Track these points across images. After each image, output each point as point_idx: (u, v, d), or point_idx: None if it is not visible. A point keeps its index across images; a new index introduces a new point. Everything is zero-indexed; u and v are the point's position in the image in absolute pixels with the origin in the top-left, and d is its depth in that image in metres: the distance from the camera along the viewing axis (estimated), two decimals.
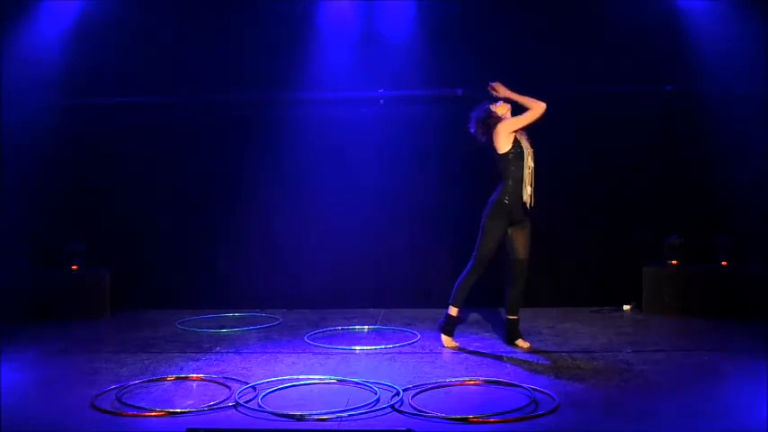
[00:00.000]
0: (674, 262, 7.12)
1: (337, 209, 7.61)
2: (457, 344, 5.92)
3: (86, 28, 7.49)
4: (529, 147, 5.76)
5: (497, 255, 5.85)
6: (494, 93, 5.85)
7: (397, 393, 4.63)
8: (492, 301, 7.12)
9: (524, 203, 5.69)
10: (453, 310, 5.91)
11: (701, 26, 7.23)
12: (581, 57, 7.36)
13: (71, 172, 7.67)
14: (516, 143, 5.75)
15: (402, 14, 7.52)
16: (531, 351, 5.74)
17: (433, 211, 7.58)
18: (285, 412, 4.32)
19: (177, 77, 7.62)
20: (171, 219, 7.72)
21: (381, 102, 7.62)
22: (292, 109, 7.69)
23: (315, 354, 5.78)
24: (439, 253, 7.53)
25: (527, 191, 5.70)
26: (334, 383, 4.98)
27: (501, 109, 5.86)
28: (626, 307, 7.27)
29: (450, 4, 7.45)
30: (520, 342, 5.86)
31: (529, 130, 5.84)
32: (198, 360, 5.61)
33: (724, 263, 7.04)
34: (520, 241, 5.79)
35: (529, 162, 5.72)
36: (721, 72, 7.13)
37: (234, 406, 4.50)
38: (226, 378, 5.07)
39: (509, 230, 5.79)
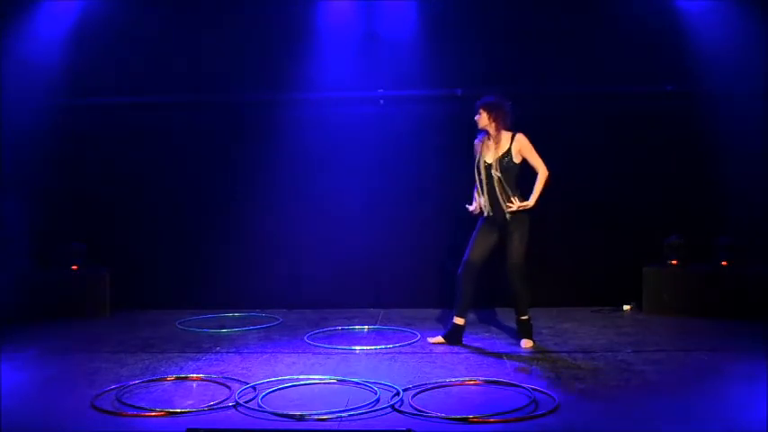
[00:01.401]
0: (674, 262, 7.13)
1: (337, 209, 7.61)
2: (442, 339, 5.94)
3: (86, 28, 7.50)
4: (492, 158, 5.77)
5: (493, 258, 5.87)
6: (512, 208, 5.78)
7: (397, 393, 4.63)
8: (492, 302, 7.13)
9: (494, 212, 5.75)
10: (457, 320, 5.95)
11: (700, 26, 7.23)
12: (581, 57, 7.36)
13: (71, 172, 7.68)
14: (479, 154, 5.85)
15: (402, 14, 7.52)
16: (531, 351, 5.74)
17: (433, 211, 7.58)
18: (285, 412, 4.32)
19: (177, 77, 7.63)
20: (171, 219, 7.72)
21: (381, 102, 7.62)
22: (292, 109, 7.69)
23: (315, 354, 5.78)
24: (439, 253, 7.53)
25: (484, 200, 5.78)
26: (334, 383, 4.98)
27: (480, 121, 5.88)
28: (626, 307, 7.27)
29: (450, 4, 7.46)
30: (523, 342, 5.86)
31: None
32: (198, 360, 5.61)
33: (724, 263, 7.04)
34: (507, 246, 5.79)
35: (485, 173, 5.77)
36: (721, 72, 7.13)
37: (234, 406, 4.49)
38: (226, 378, 5.07)
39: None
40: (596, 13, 7.33)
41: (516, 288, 5.81)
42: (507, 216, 5.73)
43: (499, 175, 5.74)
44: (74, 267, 7.42)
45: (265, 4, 7.52)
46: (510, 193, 5.74)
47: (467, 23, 7.44)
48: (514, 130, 5.85)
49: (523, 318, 5.86)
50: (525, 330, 5.89)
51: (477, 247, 5.84)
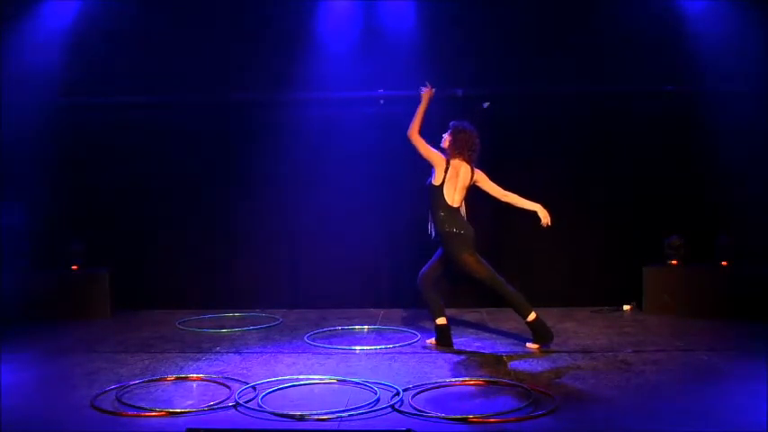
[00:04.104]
0: (673, 262, 7.13)
1: (337, 209, 7.61)
2: (434, 340, 5.94)
3: (87, 28, 7.49)
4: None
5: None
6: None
7: (397, 393, 4.64)
8: (492, 302, 7.12)
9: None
10: (437, 322, 5.92)
11: (701, 26, 7.22)
12: (581, 57, 7.36)
13: (71, 172, 7.67)
14: None
15: (402, 14, 7.52)
16: (531, 351, 5.74)
17: None
18: (285, 412, 4.32)
19: (177, 77, 7.62)
20: (171, 219, 7.72)
21: (381, 102, 7.62)
22: (292, 109, 7.69)
23: (315, 354, 5.78)
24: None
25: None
26: (334, 383, 4.98)
27: (444, 141, 5.99)
28: (626, 307, 7.27)
29: (450, 4, 7.45)
30: (528, 344, 5.85)
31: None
32: (198, 360, 5.61)
33: (724, 263, 7.04)
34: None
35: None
36: (721, 72, 7.12)
37: (234, 406, 4.50)
38: (226, 378, 5.07)
39: None
40: (596, 13, 7.31)
41: (499, 295, 5.82)
42: (433, 235, 5.89)
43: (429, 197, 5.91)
44: (74, 267, 7.42)
45: (266, 4, 7.51)
46: (433, 214, 5.83)
47: (467, 23, 7.43)
48: (476, 163, 5.94)
49: (529, 320, 5.78)
50: (535, 333, 5.80)
51: (434, 263, 5.94)
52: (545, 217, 5.84)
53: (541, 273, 7.37)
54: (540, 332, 5.79)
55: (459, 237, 5.77)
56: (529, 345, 5.82)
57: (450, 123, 6.00)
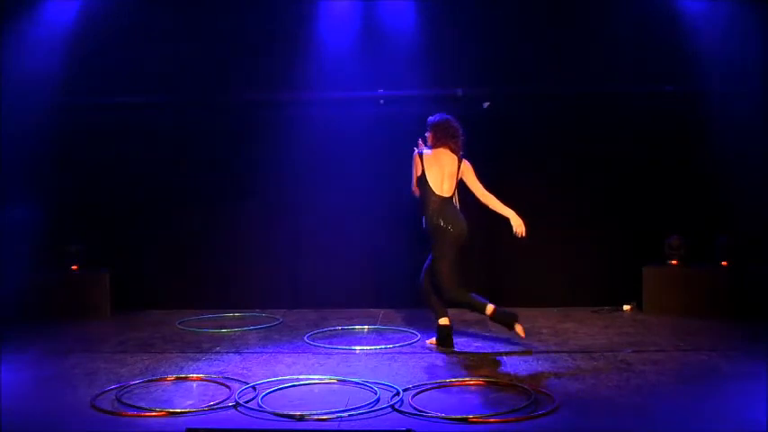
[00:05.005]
0: (674, 262, 7.13)
1: (337, 209, 7.61)
2: (434, 340, 5.93)
3: (86, 28, 7.48)
4: None
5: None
6: None
7: (397, 393, 4.64)
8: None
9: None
10: (439, 322, 5.89)
11: (700, 26, 7.22)
12: (581, 57, 7.36)
13: (71, 172, 7.66)
14: None
15: (402, 14, 7.52)
16: (531, 351, 5.73)
17: None
18: (285, 412, 4.32)
19: (177, 77, 7.62)
20: (171, 219, 7.72)
21: (381, 102, 7.62)
22: (292, 109, 7.69)
23: (315, 354, 5.79)
24: None
25: None
26: (334, 383, 4.98)
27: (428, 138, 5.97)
28: (626, 307, 7.27)
29: (450, 4, 7.45)
30: (517, 328, 5.71)
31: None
32: (198, 360, 5.61)
33: (724, 263, 7.04)
34: None
35: None
36: (721, 72, 7.12)
37: (234, 406, 4.50)
38: (226, 378, 5.07)
39: None
40: (597, 13, 7.32)
41: (457, 305, 5.83)
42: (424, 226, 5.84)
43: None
44: (74, 268, 7.43)
45: (266, 4, 7.51)
46: (424, 205, 5.81)
47: (467, 23, 7.43)
48: (461, 154, 5.90)
49: (487, 313, 5.66)
50: (503, 322, 5.69)
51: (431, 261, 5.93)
52: (518, 226, 5.71)
53: (541, 273, 7.37)
54: (505, 321, 5.69)
55: (447, 233, 5.70)
56: (517, 329, 5.66)
57: (427, 120, 5.97)
